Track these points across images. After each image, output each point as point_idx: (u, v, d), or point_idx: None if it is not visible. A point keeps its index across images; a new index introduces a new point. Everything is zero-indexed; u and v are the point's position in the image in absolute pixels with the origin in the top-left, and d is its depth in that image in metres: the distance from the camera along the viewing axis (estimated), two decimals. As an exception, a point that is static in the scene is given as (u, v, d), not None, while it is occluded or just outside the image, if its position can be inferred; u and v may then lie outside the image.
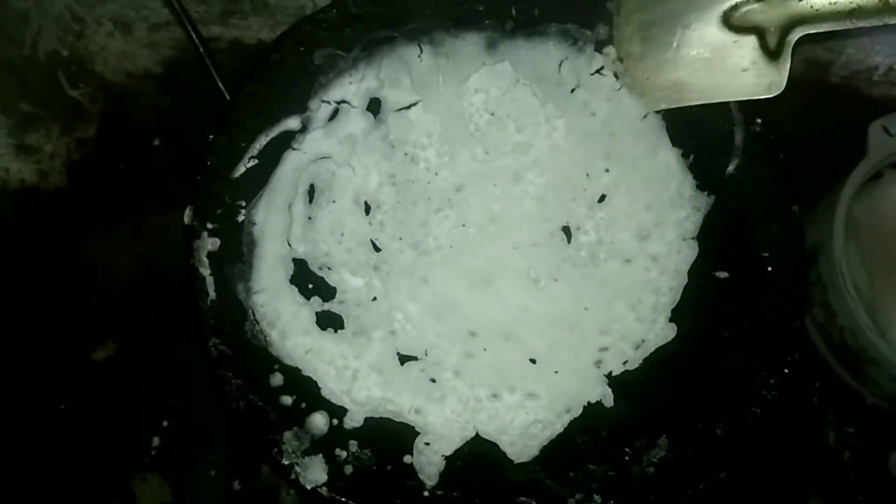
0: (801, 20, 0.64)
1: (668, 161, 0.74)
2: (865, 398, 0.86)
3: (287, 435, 0.63)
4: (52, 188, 0.90)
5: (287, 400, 0.65)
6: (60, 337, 0.84)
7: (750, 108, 0.73)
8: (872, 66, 0.92)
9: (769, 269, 0.69)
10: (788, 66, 0.65)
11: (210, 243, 0.67)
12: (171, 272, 0.84)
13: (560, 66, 0.76)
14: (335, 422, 0.65)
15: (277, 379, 0.65)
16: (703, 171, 0.73)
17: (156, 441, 0.81)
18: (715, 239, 0.71)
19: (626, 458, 0.65)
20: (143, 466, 0.80)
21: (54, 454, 0.80)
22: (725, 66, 0.67)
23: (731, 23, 0.66)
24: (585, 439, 0.66)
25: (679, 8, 0.67)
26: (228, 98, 0.76)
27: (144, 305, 0.85)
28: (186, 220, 0.68)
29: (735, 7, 0.65)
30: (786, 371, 0.66)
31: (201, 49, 0.74)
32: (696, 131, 0.74)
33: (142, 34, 0.93)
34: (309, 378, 0.66)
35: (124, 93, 0.93)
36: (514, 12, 0.76)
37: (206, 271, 0.66)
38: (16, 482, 0.79)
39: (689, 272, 0.71)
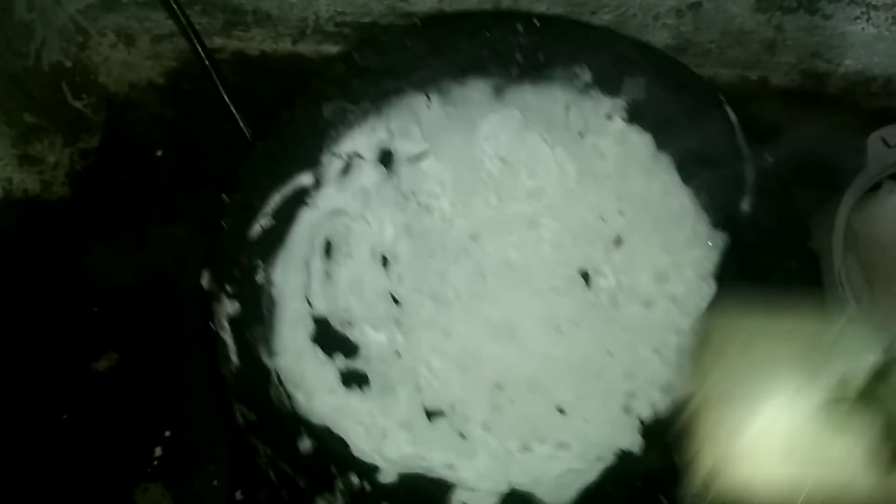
0: None
1: (680, 201, 0.74)
2: (864, 409, 0.86)
3: (319, 501, 0.62)
4: (54, 198, 0.89)
5: (317, 464, 0.63)
6: (62, 346, 0.83)
7: (758, 143, 0.74)
8: (871, 77, 0.94)
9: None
10: None
11: (230, 307, 0.66)
12: (173, 283, 0.84)
13: (567, 109, 0.76)
14: (367, 483, 0.64)
15: (306, 443, 0.64)
16: (717, 210, 0.73)
17: (158, 451, 0.79)
18: (733, 277, 0.71)
19: (663, 508, 0.65)
20: (146, 476, 0.78)
21: (56, 463, 0.78)
22: None
23: None
24: (621, 491, 0.65)
25: (760, 389, 0.57)
26: (233, 110, 0.74)
27: (146, 316, 0.84)
28: (205, 284, 0.66)
29: None
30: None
31: (207, 61, 0.73)
32: (707, 169, 0.74)
33: (145, 45, 0.92)
34: (338, 438, 0.65)
35: (127, 103, 0.93)
36: (519, 58, 0.77)
37: (227, 336, 0.65)
38: (17, 492, 0.77)
39: (710, 311, 0.71)
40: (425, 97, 0.75)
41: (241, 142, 0.75)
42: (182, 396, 0.81)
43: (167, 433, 0.79)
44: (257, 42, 0.91)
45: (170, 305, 0.83)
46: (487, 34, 0.76)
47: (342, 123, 0.73)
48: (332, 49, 0.89)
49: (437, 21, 0.77)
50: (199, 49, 0.72)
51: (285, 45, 0.90)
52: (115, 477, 0.78)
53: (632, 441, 0.67)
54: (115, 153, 0.90)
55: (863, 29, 0.85)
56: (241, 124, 0.74)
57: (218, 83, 0.73)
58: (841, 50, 0.89)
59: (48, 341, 0.82)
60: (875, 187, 0.86)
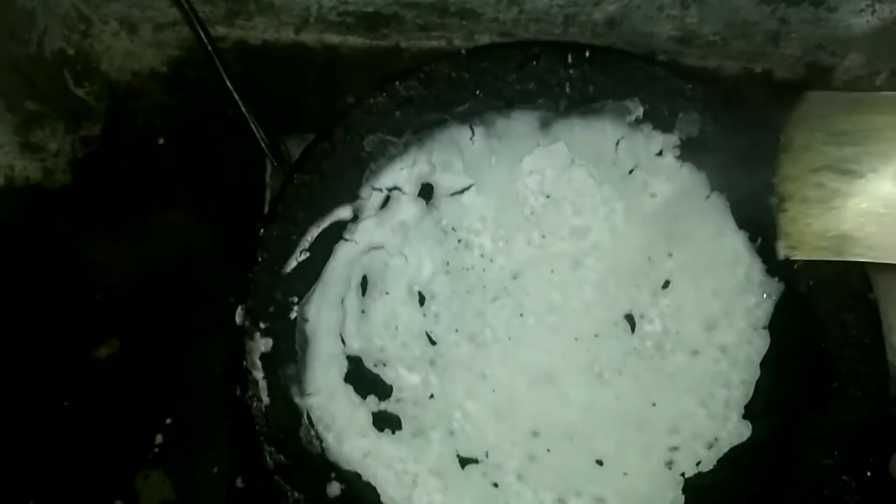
0: None
1: (734, 245, 0.71)
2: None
3: (347, 551, 0.61)
4: (56, 186, 0.90)
5: (346, 511, 0.62)
6: (64, 334, 0.84)
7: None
8: (875, 70, 0.91)
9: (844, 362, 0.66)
10: None
11: (263, 344, 0.65)
12: (174, 272, 0.84)
13: (617, 145, 0.73)
14: (396, 534, 0.62)
15: (335, 488, 0.63)
16: (773, 256, 0.69)
17: (159, 438, 0.80)
18: (787, 328, 0.68)
19: (704, 570, 0.62)
20: (146, 464, 0.79)
21: (57, 451, 0.79)
22: None
23: None
24: (660, 552, 0.62)
25: (853, 155, 0.62)
26: (237, 98, 0.73)
27: (148, 304, 0.85)
28: (238, 320, 0.65)
29: None
30: (868, 474, 0.63)
31: (210, 49, 0.72)
32: (763, 212, 0.71)
33: (147, 34, 0.93)
34: (368, 484, 0.64)
35: (130, 92, 0.94)
36: (567, 90, 0.74)
37: (259, 374, 0.64)
38: (18, 478, 0.78)
39: (762, 364, 0.67)
40: (469, 129, 0.73)
41: (245, 131, 0.74)
42: (183, 384, 0.81)
43: (168, 421, 0.80)
44: (260, 31, 0.91)
45: (171, 294, 0.84)
46: (535, 65, 0.73)
47: (383, 156, 0.71)
48: (334, 39, 0.88)
49: (483, 51, 0.74)
50: (203, 37, 0.71)
51: (288, 35, 0.90)
52: (116, 464, 0.79)
53: (673, 498, 0.64)
54: (117, 141, 0.91)
55: (867, 21, 0.82)
56: (245, 113, 0.72)
57: (222, 72, 0.72)
58: (845, 43, 0.87)
59: (49, 328, 0.83)
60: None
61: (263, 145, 0.72)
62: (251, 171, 0.80)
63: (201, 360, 0.81)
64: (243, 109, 0.71)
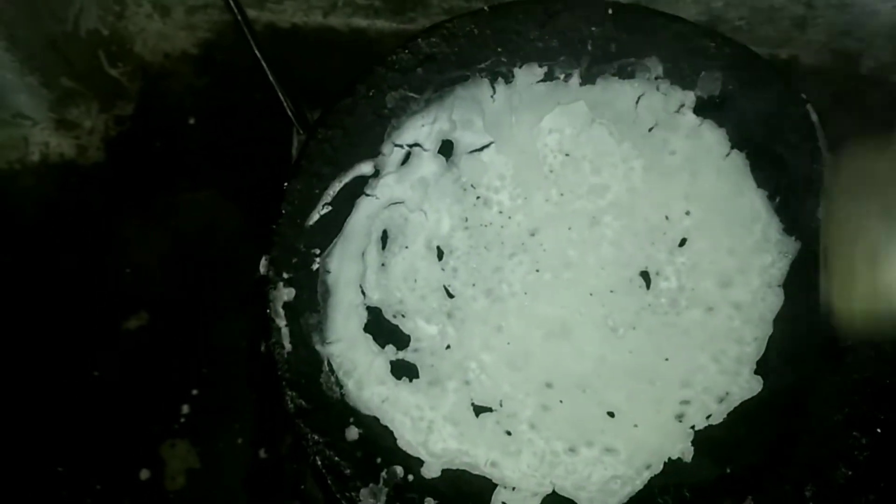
0: None
1: (752, 203, 0.71)
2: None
3: (363, 491, 0.63)
4: (90, 163, 0.94)
5: (363, 454, 0.64)
6: (94, 306, 0.87)
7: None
8: None
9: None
10: None
11: (286, 293, 0.67)
12: (203, 248, 0.87)
13: (637, 103, 0.74)
14: (411, 477, 0.64)
15: (353, 432, 0.65)
16: (790, 215, 0.70)
17: (185, 409, 0.83)
18: (802, 287, 0.68)
19: (711, 520, 0.64)
20: (173, 433, 0.82)
21: (86, 419, 0.83)
22: None
23: None
24: (668, 500, 0.64)
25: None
26: (265, 68, 0.74)
27: (177, 279, 0.88)
28: (262, 270, 0.68)
29: None
30: (878, 430, 0.63)
31: (242, 21, 0.74)
32: (783, 171, 0.71)
33: (179, 16, 0.96)
34: (385, 429, 0.66)
35: (162, 73, 0.97)
36: (589, 48, 0.74)
37: (281, 322, 0.67)
38: (48, 446, 0.82)
39: (775, 321, 0.68)
40: (490, 87, 0.74)
41: (273, 111, 0.76)
42: (210, 357, 0.84)
43: (194, 392, 0.83)
44: (289, 14, 0.93)
45: (199, 269, 0.87)
46: (558, 23, 0.74)
47: (404, 113, 0.73)
48: (362, 22, 0.89)
49: (506, 8, 0.75)
50: (241, 19, 0.72)
51: (316, 18, 0.92)
52: (143, 433, 0.82)
53: (683, 450, 0.66)
54: (149, 121, 0.94)
55: (894, 7, 0.81)
56: (273, 83, 0.73)
57: (253, 46, 0.73)
58: (872, 29, 0.86)
59: (81, 301, 0.86)
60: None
61: (290, 114, 0.74)
62: (278, 151, 0.82)
63: (227, 334, 0.84)
64: (271, 79, 0.73)
